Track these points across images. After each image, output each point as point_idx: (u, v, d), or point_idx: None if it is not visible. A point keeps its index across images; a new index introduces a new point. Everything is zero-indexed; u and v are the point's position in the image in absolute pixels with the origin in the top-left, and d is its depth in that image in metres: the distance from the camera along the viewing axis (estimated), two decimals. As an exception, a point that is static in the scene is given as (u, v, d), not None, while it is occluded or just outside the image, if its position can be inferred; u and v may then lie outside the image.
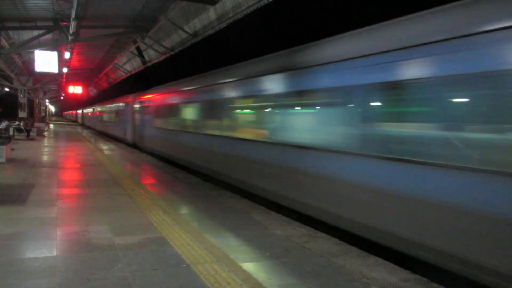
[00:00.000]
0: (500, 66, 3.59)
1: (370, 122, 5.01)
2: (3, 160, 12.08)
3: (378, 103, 5.02)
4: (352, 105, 5.35)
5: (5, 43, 17.97)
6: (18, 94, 29.95)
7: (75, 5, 11.46)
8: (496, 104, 3.75)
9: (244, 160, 8.18)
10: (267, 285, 3.88)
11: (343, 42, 5.79)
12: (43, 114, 40.30)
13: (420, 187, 4.29)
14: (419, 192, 4.30)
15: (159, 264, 4.34)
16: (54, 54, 18.54)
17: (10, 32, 17.83)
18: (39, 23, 15.75)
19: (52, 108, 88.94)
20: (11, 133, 21.87)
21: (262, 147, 7.52)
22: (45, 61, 18.51)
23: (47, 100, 50.80)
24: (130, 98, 21.40)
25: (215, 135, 9.81)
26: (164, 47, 19.13)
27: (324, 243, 5.25)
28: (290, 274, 4.18)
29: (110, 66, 29.69)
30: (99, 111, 36.43)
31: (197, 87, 11.39)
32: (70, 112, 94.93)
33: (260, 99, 7.79)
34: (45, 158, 14.37)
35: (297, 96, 6.58)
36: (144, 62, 24.09)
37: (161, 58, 21.09)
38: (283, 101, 6.95)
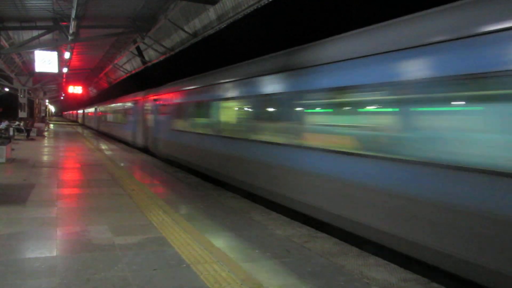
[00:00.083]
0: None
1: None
2: (3, 160, 12.08)
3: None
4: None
5: (5, 43, 17.97)
6: (18, 94, 29.94)
7: (75, 5, 11.47)
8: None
9: (345, 184, 5.48)
10: (267, 285, 3.88)
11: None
12: (43, 114, 40.27)
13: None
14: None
15: (159, 264, 4.34)
16: (54, 54, 18.53)
17: (10, 32, 17.83)
18: (39, 23, 15.75)
19: (52, 108, 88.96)
20: (11, 133, 21.85)
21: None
22: (45, 61, 18.50)
23: (47, 100, 50.83)
24: (139, 96, 19.16)
25: (282, 144, 6.92)
26: (164, 47, 19.13)
27: (324, 243, 5.25)
28: (290, 274, 4.17)
29: (110, 66, 29.69)
30: (102, 111, 34.19)
31: (242, 78, 8.61)
32: (70, 112, 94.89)
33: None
34: (45, 158, 14.37)
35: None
36: (144, 62, 24.09)
37: (161, 58, 21.09)
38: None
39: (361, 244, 5.27)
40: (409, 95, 4.56)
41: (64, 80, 34.57)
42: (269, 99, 7.52)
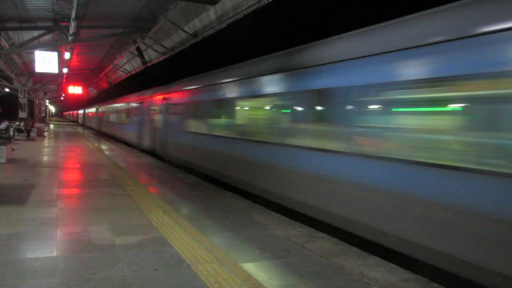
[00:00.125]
0: None
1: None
2: (3, 160, 12.08)
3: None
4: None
5: (5, 44, 17.98)
6: (18, 94, 29.96)
7: (75, 5, 11.47)
8: None
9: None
10: (267, 285, 3.88)
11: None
12: (43, 115, 40.28)
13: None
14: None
15: (159, 264, 4.34)
16: (54, 54, 18.53)
17: (10, 33, 17.83)
18: (39, 24, 15.75)
19: (52, 109, 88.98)
20: (11, 133, 21.86)
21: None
22: (45, 61, 18.50)
23: (47, 101, 50.82)
24: (146, 95, 17.89)
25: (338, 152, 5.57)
26: (164, 47, 19.13)
27: (324, 243, 5.25)
28: (290, 274, 4.18)
29: (110, 67, 29.69)
30: (104, 111, 32.81)
31: (297, 68, 6.66)
32: (71, 112, 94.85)
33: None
34: (45, 158, 14.37)
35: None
36: (144, 62, 24.09)
37: (161, 58, 21.09)
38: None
39: (361, 244, 5.27)
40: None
41: (64, 80, 34.58)
42: (343, 93, 5.57)
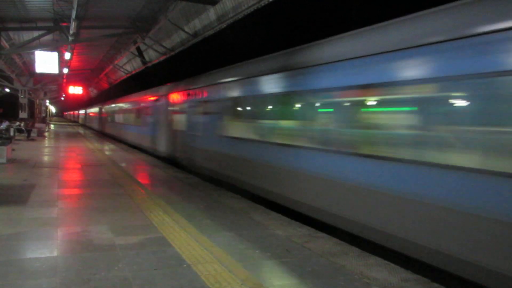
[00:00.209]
0: None
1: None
2: (4, 160, 12.09)
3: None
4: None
5: (5, 44, 17.98)
6: (19, 94, 29.99)
7: (75, 5, 11.47)
8: None
9: None
10: (268, 285, 3.88)
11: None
12: (43, 115, 40.30)
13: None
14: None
15: (160, 264, 4.34)
16: (55, 54, 18.54)
17: (11, 33, 17.85)
18: (39, 24, 15.76)
19: (52, 109, 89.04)
20: (11, 133, 21.90)
21: None
22: (46, 61, 18.50)
23: (47, 101, 50.83)
24: (162, 91, 15.38)
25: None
26: (164, 47, 19.14)
27: (325, 243, 5.25)
28: (291, 274, 4.18)
29: (111, 67, 29.70)
30: (108, 111, 30.22)
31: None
32: (71, 112, 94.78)
33: None
34: (45, 158, 14.38)
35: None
36: (144, 62, 24.11)
37: (161, 59, 21.10)
38: None
39: (361, 244, 5.28)
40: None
41: (64, 80, 34.59)
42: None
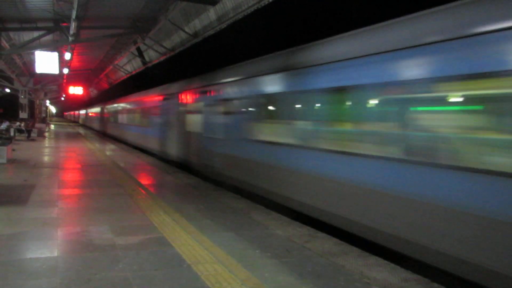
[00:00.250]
0: None
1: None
2: (4, 160, 12.10)
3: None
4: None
5: (5, 44, 18.00)
6: (19, 95, 30.00)
7: (75, 6, 11.47)
8: None
9: None
10: (268, 285, 3.88)
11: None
12: (43, 115, 40.33)
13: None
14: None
15: (160, 264, 4.34)
16: (55, 55, 18.55)
17: (11, 33, 17.85)
18: (39, 24, 15.77)
19: (53, 109, 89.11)
20: (12, 133, 21.91)
21: None
22: (46, 62, 18.51)
23: (47, 101, 50.85)
24: (173, 88, 13.93)
25: None
26: (165, 47, 19.14)
27: (325, 243, 5.25)
28: (291, 274, 4.18)
29: (111, 67, 29.71)
30: (111, 111, 28.68)
31: None
32: (72, 113, 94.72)
33: None
34: (45, 158, 14.38)
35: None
36: (144, 62, 24.11)
37: (162, 59, 21.10)
38: None
39: (361, 244, 5.27)
40: None
41: (64, 80, 34.60)
42: None
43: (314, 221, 6.28)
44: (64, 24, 15.16)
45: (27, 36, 17.81)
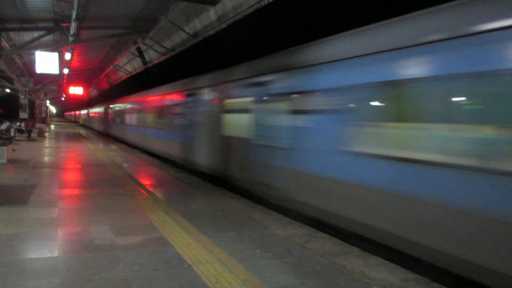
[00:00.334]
0: None
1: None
2: (4, 161, 12.10)
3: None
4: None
5: (5, 44, 18.01)
6: (19, 95, 30.02)
7: (75, 6, 11.49)
8: None
9: None
10: (268, 285, 3.88)
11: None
12: (43, 115, 40.36)
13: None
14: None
15: (160, 264, 4.34)
16: (55, 55, 18.57)
17: (11, 33, 17.87)
18: (39, 24, 15.78)
19: (53, 109, 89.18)
20: (12, 134, 21.92)
21: None
22: (46, 62, 18.53)
23: (48, 101, 50.89)
24: (203, 82, 10.97)
25: None
26: (165, 47, 19.16)
27: (325, 243, 5.25)
28: (291, 274, 4.18)
29: (111, 67, 29.73)
30: (118, 110, 25.66)
31: None
32: (72, 113, 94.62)
33: None
34: (46, 159, 14.39)
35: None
36: (144, 62, 24.13)
37: (162, 59, 21.12)
38: None
39: (362, 244, 5.27)
40: None
41: (65, 81, 34.64)
42: None
43: (314, 221, 6.27)
44: (64, 24, 15.18)
45: (27, 36, 17.83)
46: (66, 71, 24.51)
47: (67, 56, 19.60)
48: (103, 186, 9.01)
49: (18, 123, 27.35)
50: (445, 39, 4.25)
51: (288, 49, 7.45)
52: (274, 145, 7.19)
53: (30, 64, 24.52)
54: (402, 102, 4.81)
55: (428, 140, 4.44)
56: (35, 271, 4.07)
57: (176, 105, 13.12)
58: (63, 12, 14.04)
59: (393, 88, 4.79)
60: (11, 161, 12.54)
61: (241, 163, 8.45)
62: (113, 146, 20.76)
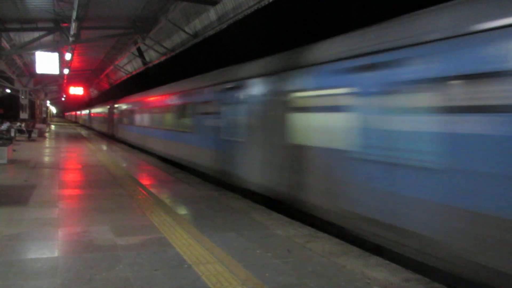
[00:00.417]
0: None
1: None
2: (5, 161, 12.10)
3: None
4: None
5: (6, 45, 18.02)
6: (19, 95, 30.03)
7: (75, 6, 11.49)
8: None
9: None
10: (269, 286, 3.88)
11: None
12: (44, 116, 40.39)
13: None
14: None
15: (161, 264, 4.34)
16: (55, 55, 18.57)
17: (11, 34, 17.88)
18: (40, 25, 15.79)
19: (53, 109, 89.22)
20: (12, 134, 21.93)
21: None
22: (46, 62, 18.54)
23: (48, 101, 50.91)
24: (255, 69, 8.28)
25: None
26: (165, 48, 19.16)
27: (325, 243, 5.25)
28: (292, 274, 4.18)
29: (111, 67, 29.74)
30: (125, 110, 22.88)
31: None
32: (73, 113, 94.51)
33: None
34: (46, 159, 14.39)
35: None
36: (144, 63, 24.13)
37: (162, 59, 21.12)
38: None
39: (362, 244, 5.27)
40: None
41: (65, 81, 34.65)
42: None
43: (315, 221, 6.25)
44: (65, 25, 15.19)
45: (27, 36, 17.84)
46: (66, 71, 24.52)
47: (67, 56, 19.60)
48: (103, 186, 9.01)
49: (18, 124, 27.38)
50: None
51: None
52: (408, 163, 4.53)
53: (30, 65, 24.53)
54: None
55: None
56: (36, 271, 4.07)
57: (207, 102, 10.44)
58: (63, 13, 14.05)
59: None
60: (11, 161, 12.55)
61: (330, 186, 5.78)
62: (113, 146, 20.77)
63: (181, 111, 12.73)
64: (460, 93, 4.02)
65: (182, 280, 3.95)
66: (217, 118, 9.76)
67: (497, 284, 3.70)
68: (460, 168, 3.96)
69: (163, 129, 14.84)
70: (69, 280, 3.85)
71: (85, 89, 39.17)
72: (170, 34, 17.91)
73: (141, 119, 18.68)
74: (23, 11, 14.05)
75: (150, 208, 7.00)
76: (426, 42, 4.35)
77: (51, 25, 15.70)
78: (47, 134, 29.30)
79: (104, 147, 20.15)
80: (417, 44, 4.46)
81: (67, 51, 19.04)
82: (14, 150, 14.55)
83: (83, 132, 37.59)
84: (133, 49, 22.30)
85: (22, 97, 29.94)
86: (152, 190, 8.78)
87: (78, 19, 12.94)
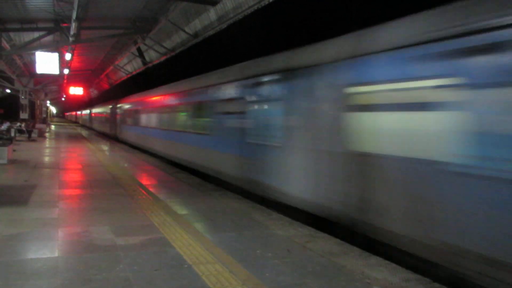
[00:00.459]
0: None
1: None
2: (5, 161, 12.10)
3: None
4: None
5: (6, 45, 18.03)
6: (20, 95, 30.04)
7: (75, 6, 11.49)
8: None
9: None
10: (269, 286, 3.88)
11: None
12: (44, 116, 40.38)
13: None
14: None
15: (161, 264, 4.34)
16: (55, 55, 18.58)
17: (11, 34, 17.89)
18: (40, 25, 15.80)
19: (53, 109, 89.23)
20: (12, 134, 21.93)
21: None
22: (46, 62, 18.56)
23: (48, 101, 50.88)
24: (296, 59, 6.68)
25: None
26: (165, 48, 19.16)
27: (325, 243, 5.25)
28: (292, 274, 4.18)
29: (111, 67, 29.74)
30: (131, 110, 21.00)
31: None
32: (73, 113, 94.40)
33: None
34: (46, 159, 14.39)
35: None
36: (144, 63, 24.14)
37: (162, 59, 21.13)
38: None
39: (362, 244, 5.27)
40: None
41: (65, 81, 34.65)
42: None
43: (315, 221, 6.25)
44: (65, 25, 15.20)
45: (27, 36, 17.85)
46: (66, 71, 24.51)
47: (67, 56, 19.60)
48: (104, 186, 9.01)
49: (18, 124, 27.37)
50: None
51: None
52: None
53: (31, 65, 24.53)
54: None
55: None
56: (36, 272, 4.07)
57: (229, 100, 9.05)
58: (64, 13, 14.05)
59: None
60: (11, 162, 12.55)
61: (426, 210, 4.27)
62: (113, 146, 20.76)
63: (195, 110, 11.18)
64: None
65: (182, 280, 3.95)
66: (241, 118, 8.31)
67: None
68: None
69: (171, 131, 13.35)
70: (69, 280, 3.85)
71: (85, 89, 39.17)
72: (170, 34, 17.91)
73: (149, 119, 16.68)
74: (23, 11, 14.05)
75: (150, 208, 7.00)
76: None
77: (51, 25, 15.70)
78: (47, 134, 29.30)
79: (104, 148, 20.14)
80: None
81: (67, 51, 19.04)
82: (14, 150, 14.55)
83: (84, 132, 37.58)
84: (133, 49, 22.31)
85: (22, 97, 29.95)
86: (152, 190, 8.78)
87: (78, 19, 12.95)
